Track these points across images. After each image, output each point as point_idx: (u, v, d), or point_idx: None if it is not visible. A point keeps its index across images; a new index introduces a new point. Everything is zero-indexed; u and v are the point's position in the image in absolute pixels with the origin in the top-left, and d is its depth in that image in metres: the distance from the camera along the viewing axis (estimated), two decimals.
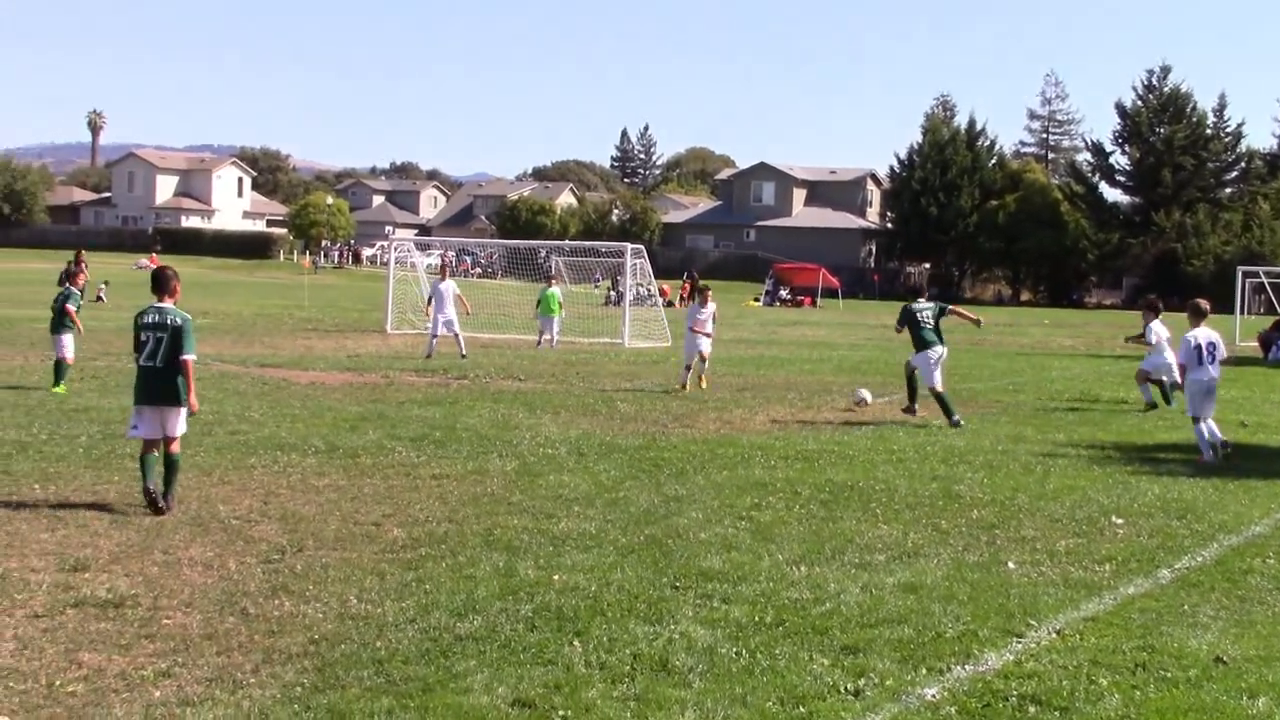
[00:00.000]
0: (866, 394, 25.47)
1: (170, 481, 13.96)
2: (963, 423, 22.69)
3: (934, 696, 8.46)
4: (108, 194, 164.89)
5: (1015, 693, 8.56)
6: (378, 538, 12.66)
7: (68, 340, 24.08)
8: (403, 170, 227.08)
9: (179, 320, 13.90)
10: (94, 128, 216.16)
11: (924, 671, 8.96)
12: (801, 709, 8.15)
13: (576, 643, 9.32)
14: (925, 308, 24.20)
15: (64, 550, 11.74)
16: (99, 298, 60.65)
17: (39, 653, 8.86)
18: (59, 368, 24.11)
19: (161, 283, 14.29)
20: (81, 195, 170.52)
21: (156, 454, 13.87)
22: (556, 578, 11.16)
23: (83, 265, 31.81)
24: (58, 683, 8.29)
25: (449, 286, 35.60)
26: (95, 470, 15.81)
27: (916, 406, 23.82)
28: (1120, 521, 14.52)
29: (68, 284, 25.42)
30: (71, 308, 24.46)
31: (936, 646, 9.53)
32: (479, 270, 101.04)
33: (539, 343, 40.76)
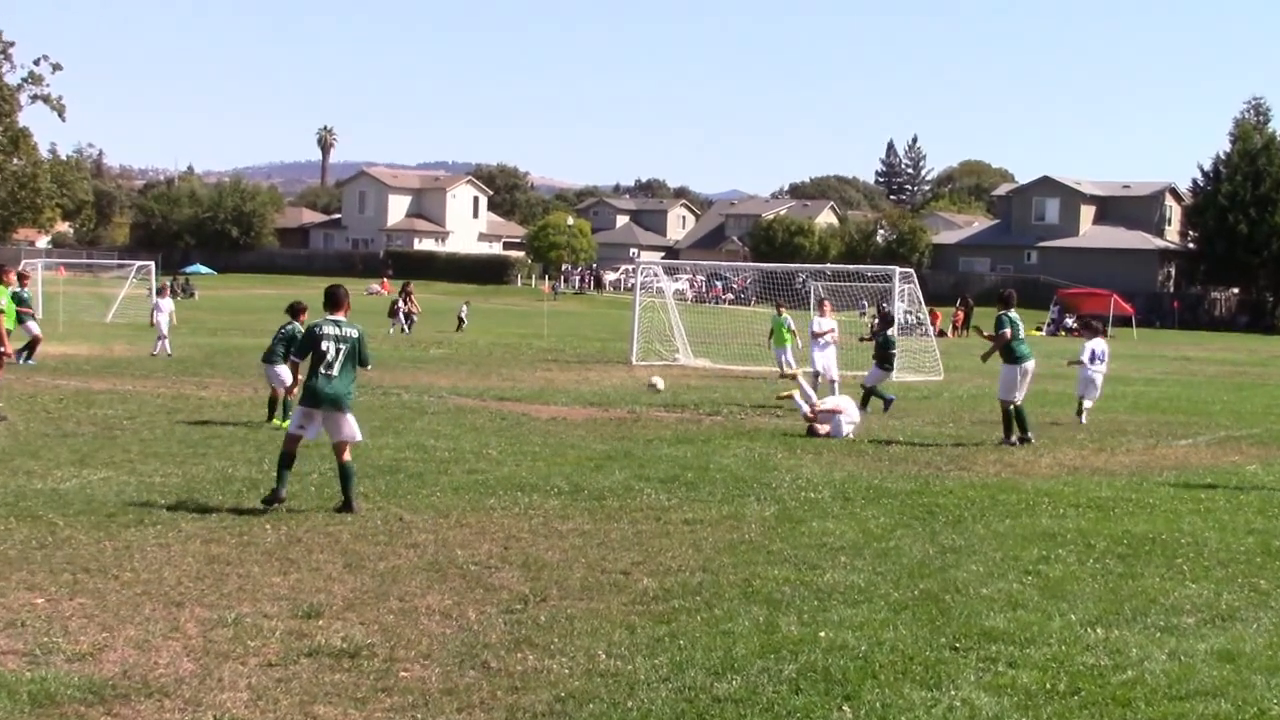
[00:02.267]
0: (659, 381, 25.68)
1: (349, 489, 16.04)
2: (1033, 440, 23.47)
3: None
4: (337, 215, 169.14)
5: None
6: (627, 587, 12.71)
7: (283, 372, 24.58)
8: (648, 188, 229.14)
9: (356, 333, 16.40)
10: (324, 145, 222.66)
11: None
12: None
13: (846, 707, 9.22)
14: (1019, 320, 25.05)
15: (297, 595, 12.05)
16: (461, 321, 63.67)
17: (273, 704, 9.09)
18: (277, 403, 24.82)
19: (336, 299, 16.55)
20: (311, 217, 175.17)
21: (292, 453, 16.26)
22: (823, 634, 11.07)
23: (410, 295, 32.34)
24: None
25: None
26: (327, 510, 16.19)
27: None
28: None
29: (296, 319, 25.70)
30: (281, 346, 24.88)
31: None
32: (731, 296, 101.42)
33: (781, 375, 40.52)
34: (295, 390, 17.61)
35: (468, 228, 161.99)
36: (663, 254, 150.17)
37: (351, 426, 16.37)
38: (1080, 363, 29.31)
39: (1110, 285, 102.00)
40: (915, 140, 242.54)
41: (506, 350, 50.52)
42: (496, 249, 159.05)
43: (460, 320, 67.56)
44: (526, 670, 9.96)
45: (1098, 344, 30.98)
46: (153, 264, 78.24)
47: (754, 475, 19.90)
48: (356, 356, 16.37)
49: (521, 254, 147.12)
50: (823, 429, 25.15)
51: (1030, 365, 25.25)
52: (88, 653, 10.13)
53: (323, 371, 16.07)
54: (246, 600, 11.82)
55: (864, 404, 28.67)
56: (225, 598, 11.90)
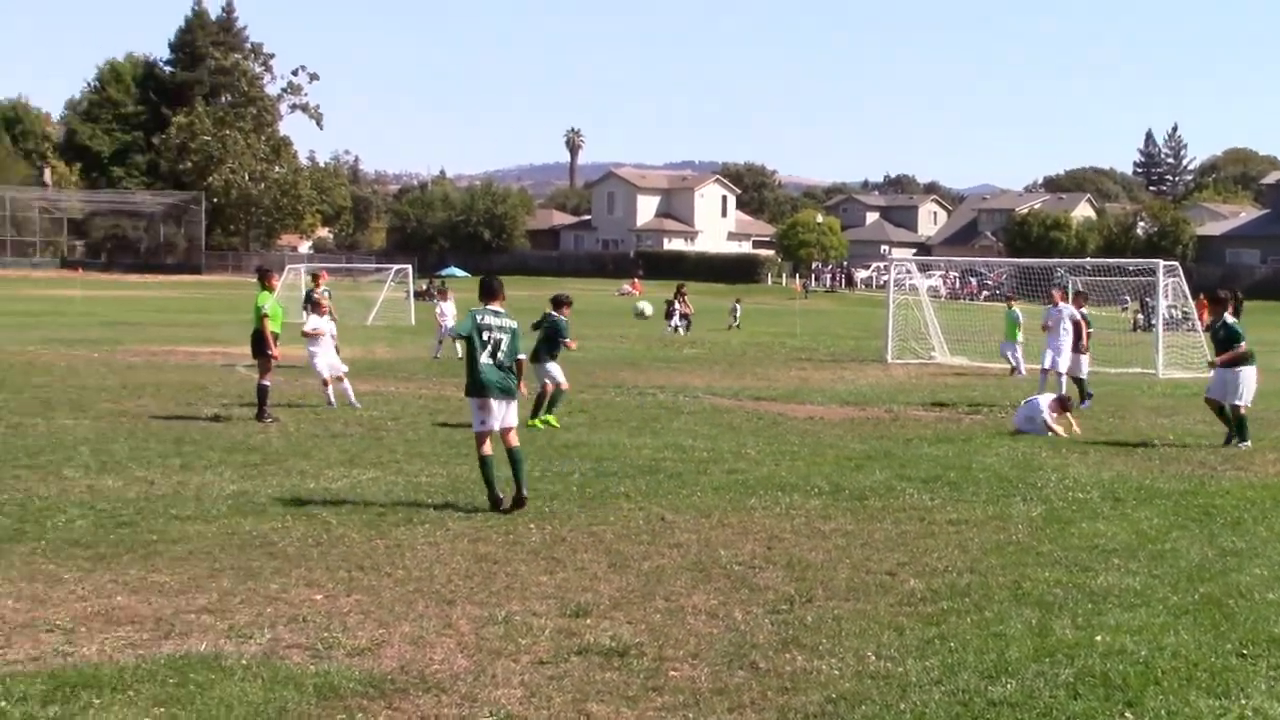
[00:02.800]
0: (646, 306, 24.85)
1: (520, 475, 16.21)
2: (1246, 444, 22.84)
3: None
4: (587, 216, 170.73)
5: None
6: (893, 588, 12.64)
7: (554, 369, 24.94)
8: (898, 184, 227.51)
9: (514, 323, 16.81)
10: (572, 147, 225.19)
11: None
12: None
13: (1129, 714, 9.05)
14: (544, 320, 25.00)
15: (564, 594, 12.21)
16: (735, 318, 64.53)
17: (546, 701, 9.22)
18: (550, 400, 24.97)
19: (493, 289, 17.14)
20: (561, 218, 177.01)
21: (490, 454, 16.45)
22: (1099, 638, 10.88)
23: (683, 295, 32.31)
24: None
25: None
26: (589, 510, 16.37)
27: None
28: None
29: (559, 312, 25.84)
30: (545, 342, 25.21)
31: None
32: (985, 293, 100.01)
33: (1011, 372, 39.90)
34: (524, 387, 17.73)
35: (716, 227, 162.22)
36: (914, 250, 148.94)
37: (513, 412, 16.68)
38: None
39: None
40: (1175, 129, 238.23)
41: (759, 349, 50.47)
42: (745, 248, 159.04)
43: (734, 317, 67.95)
44: (796, 671, 9.97)
45: None
46: (410, 267, 79.80)
47: (1018, 475, 19.63)
48: (515, 347, 16.63)
49: (771, 252, 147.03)
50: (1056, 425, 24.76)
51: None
52: (366, 648, 10.41)
53: (484, 360, 16.35)
54: (515, 598, 12.02)
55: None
56: (494, 595, 12.11)
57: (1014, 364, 39.79)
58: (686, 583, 12.75)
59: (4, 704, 8.89)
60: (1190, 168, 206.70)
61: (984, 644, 10.69)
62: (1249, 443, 22.78)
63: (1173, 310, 46.87)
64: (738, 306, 70.35)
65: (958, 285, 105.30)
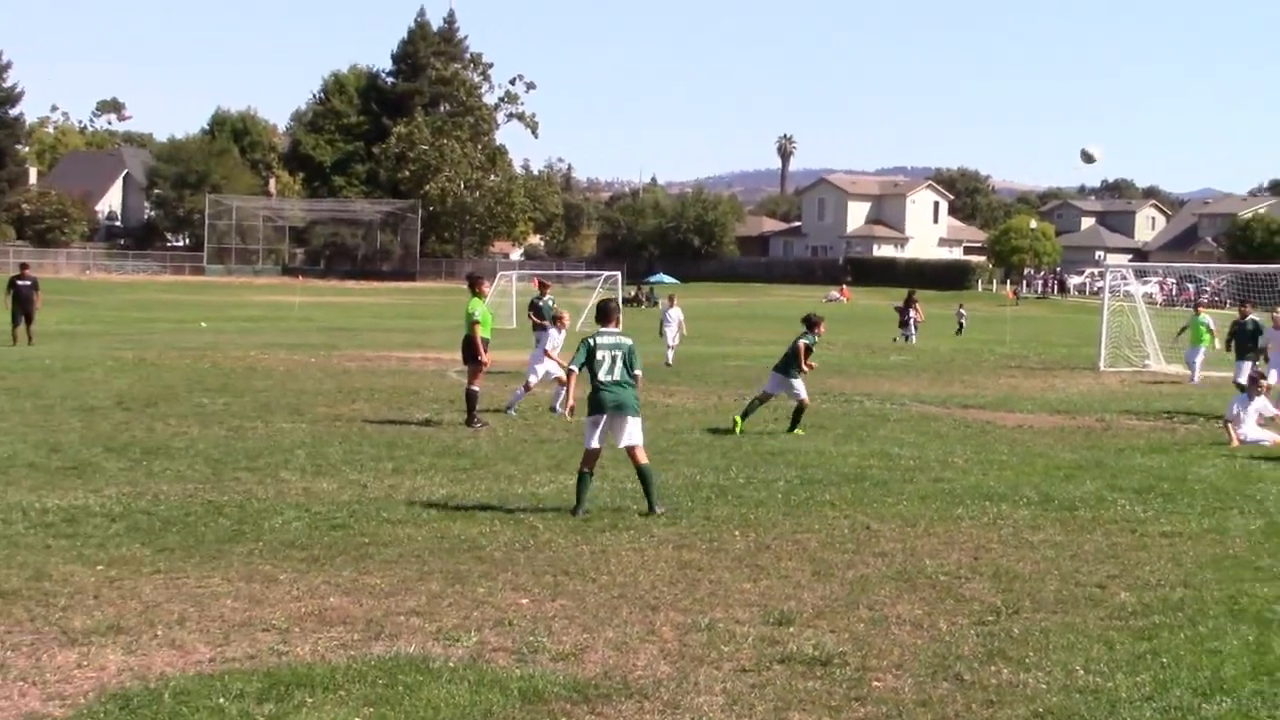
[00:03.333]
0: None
1: (650, 491, 16.32)
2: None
3: None
4: (797, 223, 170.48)
5: None
6: (1103, 601, 12.44)
7: (795, 382, 25.14)
8: (1116, 189, 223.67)
9: (628, 342, 16.86)
10: (784, 154, 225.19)
11: None
12: None
13: None
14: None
15: (767, 602, 12.19)
16: (960, 325, 65.12)
17: (749, 709, 9.21)
18: (797, 414, 25.16)
19: (608, 313, 17.28)
20: (771, 225, 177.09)
21: (590, 472, 16.57)
22: None
23: (915, 303, 31.61)
24: None
25: None
26: (794, 517, 16.32)
27: None
28: None
29: (813, 332, 25.99)
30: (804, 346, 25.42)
31: None
32: (1204, 299, 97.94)
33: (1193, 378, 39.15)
34: (572, 404, 17.79)
35: (928, 233, 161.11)
36: (1130, 256, 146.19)
37: (637, 430, 16.57)
38: None
39: None
40: None
41: (968, 356, 49.99)
42: (957, 254, 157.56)
43: (960, 324, 67.75)
44: (1001, 684, 9.84)
45: None
46: (619, 274, 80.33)
47: (1236, 487, 19.21)
48: (629, 364, 16.64)
49: (982, 258, 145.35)
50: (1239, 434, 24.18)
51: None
52: (570, 653, 10.48)
53: (601, 379, 16.40)
54: (718, 605, 12.02)
55: None
56: (698, 603, 12.12)
57: (1192, 372, 38.97)
58: (891, 592, 12.67)
59: (222, 700, 9.08)
60: None
61: (1198, 660, 10.48)
62: None
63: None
64: (963, 312, 70.19)
65: (1175, 292, 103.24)
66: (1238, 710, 9.32)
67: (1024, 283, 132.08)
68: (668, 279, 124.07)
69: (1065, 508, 17.29)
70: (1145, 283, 73.68)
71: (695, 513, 16.45)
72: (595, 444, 16.50)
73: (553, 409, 26.46)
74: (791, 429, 24.75)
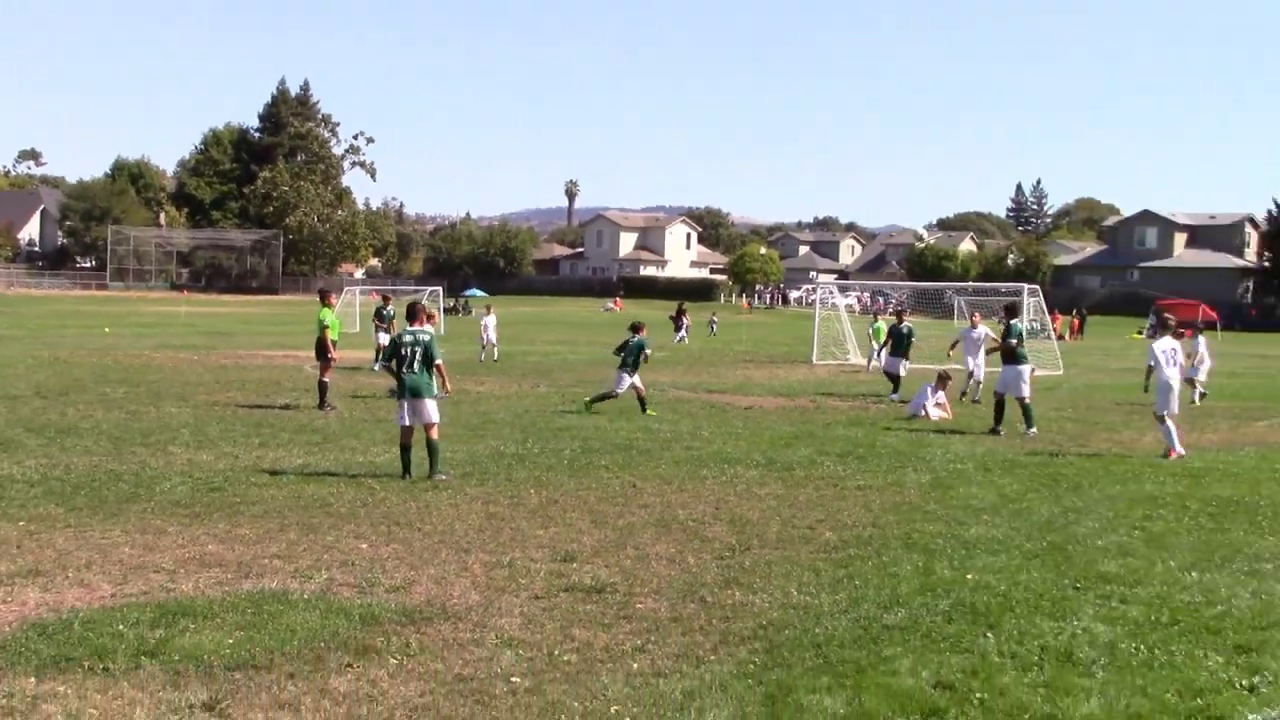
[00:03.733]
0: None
1: (434, 462, 16.01)
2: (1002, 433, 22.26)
3: None
4: (580, 249, 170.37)
5: None
6: (812, 539, 12.69)
7: (626, 378, 24.84)
8: (824, 224, 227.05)
9: (426, 337, 16.36)
10: (570, 194, 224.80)
11: None
12: (1199, 701, 7.77)
13: (990, 634, 9.13)
14: (1023, 327, 23.97)
15: (555, 544, 12.23)
16: (712, 329, 64.65)
17: (540, 628, 9.26)
18: (605, 397, 25.06)
19: (414, 313, 16.82)
20: (560, 250, 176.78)
21: (409, 445, 16.15)
22: (970, 577, 10.96)
23: (684, 315, 30.96)
24: (556, 652, 8.64)
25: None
26: (577, 478, 16.38)
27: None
28: None
29: (637, 334, 25.51)
30: (648, 352, 25.34)
31: None
32: (892, 309, 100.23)
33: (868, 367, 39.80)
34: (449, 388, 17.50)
35: (682, 257, 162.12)
36: (835, 276, 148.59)
37: (432, 410, 16.22)
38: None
39: (1198, 297, 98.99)
40: (1039, 182, 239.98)
41: (713, 353, 50.50)
42: (704, 273, 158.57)
43: (712, 328, 68.63)
44: (735, 604, 10.02)
45: (1200, 342, 31.31)
46: (440, 289, 79.58)
47: (912, 451, 19.72)
48: (429, 355, 16.24)
49: (724, 277, 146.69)
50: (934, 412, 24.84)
51: (1028, 368, 23.48)
52: (400, 586, 10.43)
53: (405, 370, 16.14)
54: (517, 547, 12.04)
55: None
56: (501, 545, 12.13)
57: (869, 361, 39.54)
58: (651, 535, 12.79)
59: (121, 627, 8.93)
60: (1049, 212, 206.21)
61: (881, 581, 10.77)
62: (1035, 429, 22.40)
63: (1033, 323, 46.90)
64: (715, 319, 71.33)
65: (869, 303, 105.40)
66: (909, 617, 9.60)
67: (756, 296, 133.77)
68: (479, 293, 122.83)
69: (785, 468, 17.59)
70: (847, 296, 75.00)
71: (499, 476, 16.43)
72: (406, 422, 16.23)
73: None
74: (643, 410, 24.48)
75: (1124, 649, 8.83)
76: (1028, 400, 22.75)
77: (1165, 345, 20.15)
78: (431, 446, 16.20)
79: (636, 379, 24.82)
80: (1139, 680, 8.13)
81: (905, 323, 31.73)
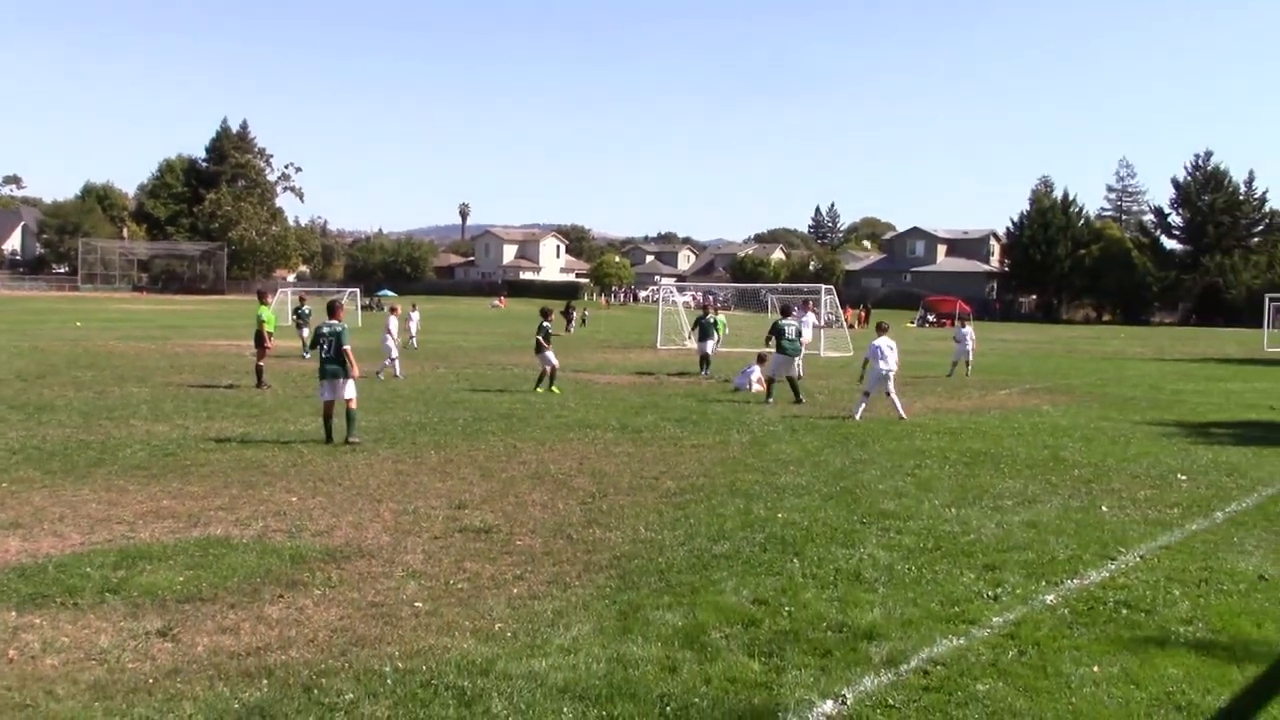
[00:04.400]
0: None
1: (351, 427, 15.76)
2: (774, 402, 22.23)
3: (1052, 601, 8.16)
4: (472, 258, 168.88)
5: (1112, 599, 8.21)
6: (657, 487, 12.70)
7: (549, 356, 23.98)
8: (666, 237, 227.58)
9: (340, 329, 16.06)
10: (463, 214, 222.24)
11: (1044, 583, 8.64)
12: (956, 608, 7.93)
13: (795, 560, 9.22)
14: (790, 324, 23.86)
15: (451, 494, 12.06)
16: (583, 321, 63.83)
17: (438, 562, 9.12)
18: (551, 376, 23.94)
19: (333, 309, 16.58)
20: (455, 259, 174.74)
21: (330, 415, 15.94)
22: (780, 515, 11.06)
23: (574, 310, 29.15)
24: (451, 581, 8.52)
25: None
26: (469, 441, 16.18)
27: (773, 400, 22.69)
28: (1184, 478, 13.82)
29: (546, 320, 24.53)
30: (541, 338, 24.08)
31: (1052, 566, 9.18)
32: (719, 305, 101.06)
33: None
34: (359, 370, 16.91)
35: (553, 264, 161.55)
36: (675, 279, 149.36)
37: (345, 389, 15.85)
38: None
39: (956, 294, 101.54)
40: (833, 205, 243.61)
41: (579, 340, 50.36)
42: (571, 277, 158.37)
43: (583, 320, 68.33)
44: (595, 540, 9.97)
45: (968, 331, 32.23)
46: (358, 290, 78.27)
47: (736, 417, 19.84)
48: (341, 343, 15.86)
49: (587, 280, 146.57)
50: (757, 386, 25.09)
51: (796, 358, 23.52)
52: (324, 530, 10.18)
53: (325, 354, 15.98)
54: (420, 497, 11.85)
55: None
56: (407, 496, 11.92)
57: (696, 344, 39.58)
58: (528, 486, 12.68)
59: (89, 569, 8.59)
60: (842, 229, 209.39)
61: (711, 520, 10.80)
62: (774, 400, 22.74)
63: (829, 316, 47.60)
64: (587, 314, 71.31)
65: (701, 300, 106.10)
66: (733, 548, 9.64)
67: (612, 295, 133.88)
68: (390, 293, 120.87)
69: (634, 431, 17.59)
70: (683, 294, 75.23)
71: (406, 440, 16.15)
72: (327, 397, 16.05)
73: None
74: (546, 386, 23.70)
75: (899, 570, 8.98)
76: (798, 377, 23.48)
77: (882, 342, 20.19)
78: (349, 415, 15.87)
79: (552, 356, 24.19)
80: (911, 594, 8.27)
81: (711, 315, 32.05)
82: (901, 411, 19.89)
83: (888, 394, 20.14)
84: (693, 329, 34.18)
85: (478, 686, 6.31)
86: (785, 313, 24.81)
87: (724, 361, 33.63)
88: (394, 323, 42.27)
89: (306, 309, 35.75)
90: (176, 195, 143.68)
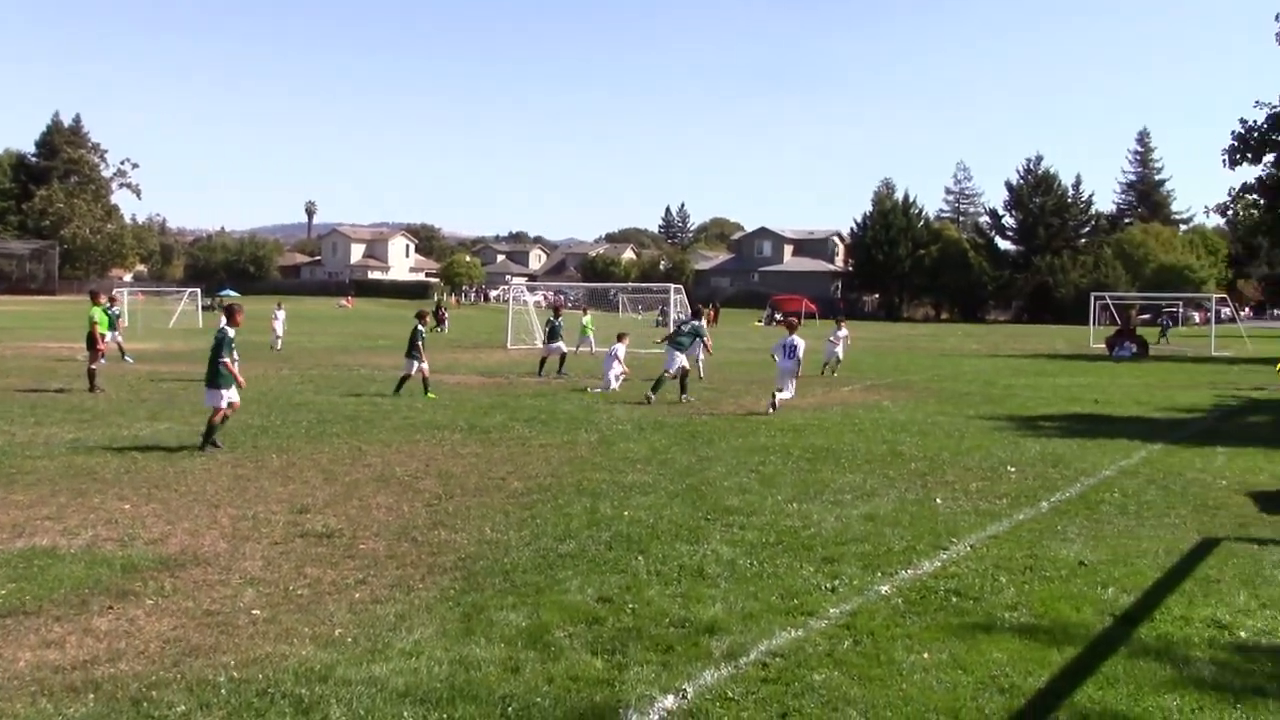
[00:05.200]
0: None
1: (208, 435, 15.19)
2: (653, 399, 22.37)
3: (887, 591, 8.39)
4: (318, 257, 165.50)
5: (943, 588, 8.48)
6: (504, 488, 12.64)
7: (413, 363, 23.11)
8: (517, 237, 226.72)
9: (217, 336, 15.42)
10: (309, 212, 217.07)
11: (879, 574, 8.89)
12: (796, 601, 8.10)
13: (641, 558, 9.28)
14: (686, 325, 24.89)
15: (293, 499, 11.80)
16: (442, 321, 62.91)
17: (278, 568, 8.91)
18: (424, 381, 23.06)
19: (230, 314, 16.02)
20: (301, 259, 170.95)
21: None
22: (626, 513, 11.12)
23: (444, 310, 27.31)
24: (291, 588, 8.34)
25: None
26: (313, 444, 15.86)
27: (652, 395, 22.82)
28: (1013, 469, 14.38)
29: (421, 323, 23.71)
30: (419, 342, 23.09)
31: (888, 557, 9.45)
32: (570, 304, 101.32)
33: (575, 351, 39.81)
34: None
35: (403, 264, 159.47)
36: (526, 279, 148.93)
37: (211, 398, 15.43)
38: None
39: (802, 293, 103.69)
40: (683, 205, 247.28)
41: (428, 340, 49.73)
42: (421, 277, 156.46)
43: (442, 320, 66.97)
44: (440, 542, 9.88)
45: (844, 333, 34.33)
46: (199, 290, 75.89)
47: (584, 416, 19.88)
48: (216, 351, 15.35)
49: (437, 279, 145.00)
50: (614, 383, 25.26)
51: (682, 356, 23.45)
52: (158, 538, 9.84)
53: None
54: (260, 503, 11.56)
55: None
56: (247, 501, 11.62)
57: (590, 348, 39.92)
58: (373, 489, 12.49)
59: None
60: (691, 229, 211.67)
61: (558, 519, 10.80)
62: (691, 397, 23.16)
63: (680, 314, 48.08)
64: (446, 314, 70.15)
65: (553, 299, 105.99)
66: (578, 546, 9.66)
67: (462, 294, 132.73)
68: (233, 293, 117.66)
69: (483, 432, 17.48)
70: (534, 294, 75.11)
71: (247, 444, 15.73)
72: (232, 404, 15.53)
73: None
74: (425, 393, 22.70)
75: (742, 565, 9.13)
76: (677, 374, 23.34)
77: (786, 341, 21.36)
78: (211, 425, 15.30)
79: (425, 364, 23.27)
80: (752, 588, 8.42)
81: (559, 319, 32.04)
82: (777, 404, 20.56)
83: (781, 390, 21.03)
84: (545, 326, 34.12)
85: (316, 693, 6.20)
86: (697, 316, 27.09)
87: (587, 363, 33.64)
88: (282, 316, 41.45)
89: (116, 310, 35.16)
90: (4, 192, 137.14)
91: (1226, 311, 69.49)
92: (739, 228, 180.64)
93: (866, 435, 17.66)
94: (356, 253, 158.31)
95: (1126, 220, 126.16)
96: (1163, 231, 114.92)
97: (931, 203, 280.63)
